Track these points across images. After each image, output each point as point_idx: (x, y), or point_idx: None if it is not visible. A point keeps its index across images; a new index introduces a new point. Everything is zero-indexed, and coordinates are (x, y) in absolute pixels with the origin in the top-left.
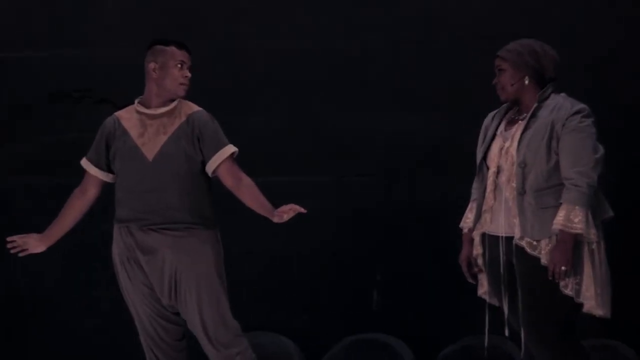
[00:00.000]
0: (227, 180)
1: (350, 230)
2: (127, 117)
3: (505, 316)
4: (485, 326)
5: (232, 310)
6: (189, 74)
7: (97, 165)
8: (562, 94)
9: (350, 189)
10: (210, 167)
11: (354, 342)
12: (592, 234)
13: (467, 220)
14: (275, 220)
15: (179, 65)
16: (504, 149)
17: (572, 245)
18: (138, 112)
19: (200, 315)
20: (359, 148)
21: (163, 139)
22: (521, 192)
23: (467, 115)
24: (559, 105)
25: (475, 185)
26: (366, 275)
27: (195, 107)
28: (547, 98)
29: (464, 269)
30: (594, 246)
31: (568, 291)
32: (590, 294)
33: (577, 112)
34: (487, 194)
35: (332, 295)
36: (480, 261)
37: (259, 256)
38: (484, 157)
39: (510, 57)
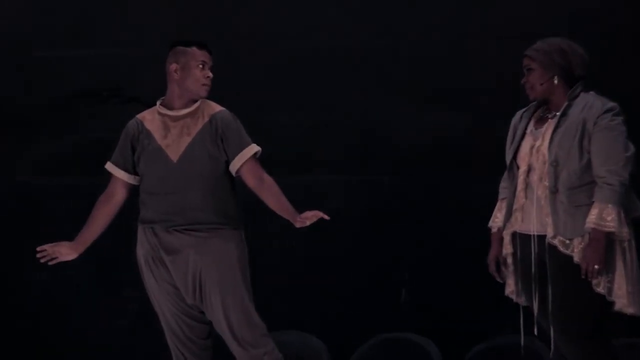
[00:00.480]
0: (250, 181)
1: (377, 228)
2: (150, 118)
3: (535, 315)
4: (520, 326)
5: (261, 309)
6: (210, 74)
7: (123, 169)
8: (592, 92)
9: (375, 187)
10: (233, 167)
11: (382, 340)
12: (625, 232)
13: (496, 219)
14: (298, 225)
15: (201, 66)
16: (534, 147)
17: (604, 243)
18: (160, 113)
19: (225, 315)
20: (382, 147)
21: (187, 140)
22: (553, 191)
23: (490, 114)
24: (590, 103)
25: (503, 184)
26: (394, 273)
27: (218, 107)
28: (576, 96)
29: (492, 268)
30: (626, 244)
31: (600, 289)
32: (622, 293)
33: (608, 111)
34: (517, 193)
35: (360, 294)
36: (510, 260)
37: (289, 256)
38: (514, 157)
39: (538, 56)
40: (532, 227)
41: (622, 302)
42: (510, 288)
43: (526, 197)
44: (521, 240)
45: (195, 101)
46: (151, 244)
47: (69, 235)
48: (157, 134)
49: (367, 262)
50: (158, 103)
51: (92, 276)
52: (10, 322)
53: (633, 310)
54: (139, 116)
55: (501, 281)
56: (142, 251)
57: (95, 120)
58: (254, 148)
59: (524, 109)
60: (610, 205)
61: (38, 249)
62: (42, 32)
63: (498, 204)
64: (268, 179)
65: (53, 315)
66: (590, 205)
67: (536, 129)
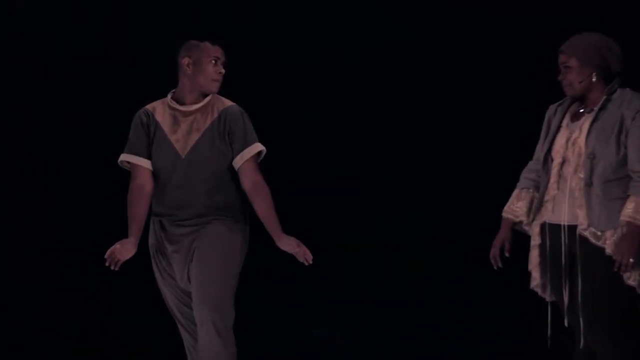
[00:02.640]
0: (245, 180)
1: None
2: (160, 111)
3: (565, 306)
4: (548, 317)
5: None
6: (223, 70)
7: (147, 157)
8: (627, 89)
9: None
10: (236, 164)
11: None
12: None
13: (513, 207)
14: (280, 245)
15: (213, 61)
16: (570, 140)
17: (638, 236)
18: (171, 107)
19: (201, 289)
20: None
21: (196, 136)
22: (588, 183)
23: None
24: (628, 99)
25: (526, 174)
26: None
27: (228, 102)
28: (614, 92)
29: (495, 252)
30: None
31: (630, 282)
32: None
33: None
34: (550, 184)
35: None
36: (536, 252)
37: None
38: (549, 149)
39: (576, 54)
40: (562, 218)
41: None
42: (536, 281)
43: (558, 189)
44: (551, 230)
45: (206, 96)
46: (157, 237)
47: None
48: (167, 128)
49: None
50: (169, 96)
51: None
52: None
53: None
54: (148, 107)
55: (496, 267)
56: (150, 242)
57: None
58: (258, 147)
59: (558, 103)
60: None
61: (106, 257)
62: None
63: (516, 192)
64: (263, 184)
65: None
66: (623, 198)
67: (573, 122)
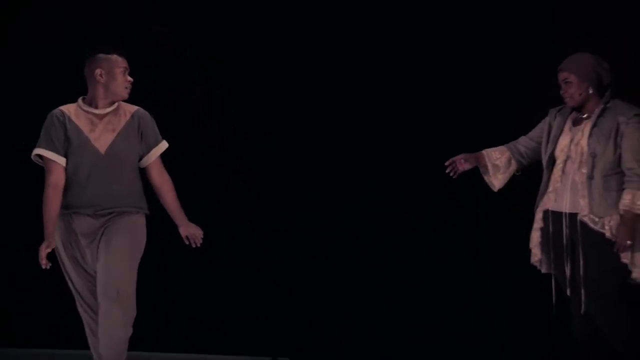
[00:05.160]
0: (155, 174)
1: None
2: (75, 113)
3: (567, 279)
4: (552, 288)
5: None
6: (131, 79)
7: (63, 154)
8: (618, 99)
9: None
10: (146, 160)
11: None
12: None
13: (492, 152)
14: (182, 232)
15: (123, 72)
16: (574, 141)
17: (634, 223)
18: (84, 110)
19: (107, 272)
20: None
21: (112, 135)
22: (590, 177)
23: None
24: (621, 108)
25: (516, 143)
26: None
27: (135, 107)
28: (608, 101)
29: (457, 158)
30: None
31: (624, 260)
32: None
33: (636, 115)
34: (553, 178)
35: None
36: (538, 233)
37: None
38: (554, 149)
39: (575, 72)
40: (564, 207)
41: (638, 271)
42: (536, 257)
43: (561, 182)
44: (553, 216)
45: (114, 102)
46: (68, 229)
47: None
48: (85, 128)
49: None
50: (79, 100)
51: None
52: None
53: None
54: (62, 108)
55: (453, 172)
56: (59, 235)
57: None
58: (165, 145)
59: (557, 109)
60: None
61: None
62: None
63: (502, 147)
64: (169, 178)
65: None
66: (620, 190)
67: (574, 126)
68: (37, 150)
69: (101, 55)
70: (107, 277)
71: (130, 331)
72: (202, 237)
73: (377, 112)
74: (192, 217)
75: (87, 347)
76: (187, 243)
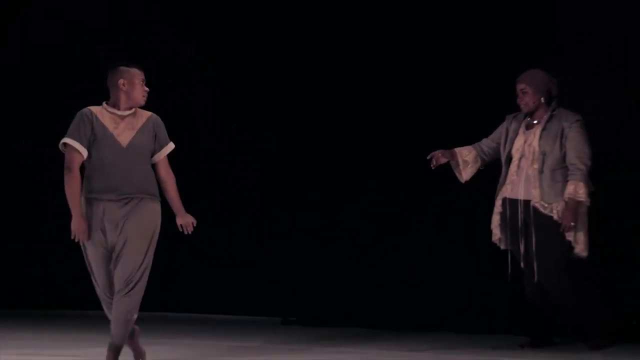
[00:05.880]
0: (163, 170)
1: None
2: (100, 113)
3: (521, 255)
4: (508, 261)
5: None
6: (147, 89)
7: (86, 147)
8: (561, 107)
9: None
10: (157, 157)
11: None
12: (588, 202)
13: (463, 150)
14: (178, 221)
15: (141, 82)
16: (527, 142)
17: (576, 208)
18: (108, 111)
19: (127, 258)
20: None
21: (132, 132)
22: (541, 171)
23: None
24: (565, 115)
25: (481, 144)
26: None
27: (150, 112)
28: (554, 109)
29: (436, 153)
30: (585, 209)
31: (569, 238)
32: (580, 241)
33: (577, 120)
34: (510, 172)
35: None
36: (498, 217)
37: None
38: (511, 148)
39: (532, 84)
40: (519, 195)
41: (579, 247)
42: (497, 236)
43: (516, 175)
44: (510, 203)
45: (132, 107)
46: (96, 215)
47: None
48: (110, 126)
49: None
50: (104, 104)
51: None
52: None
53: (585, 254)
54: (90, 108)
55: (433, 164)
56: (88, 220)
57: None
58: (172, 146)
59: (512, 115)
60: (581, 183)
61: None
62: None
63: (470, 146)
64: (172, 173)
65: None
66: (564, 182)
67: (527, 130)
68: (66, 139)
69: (123, 68)
70: (125, 265)
71: (137, 314)
72: (194, 225)
73: (377, 113)
74: (192, 217)
75: None
76: (181, 230)
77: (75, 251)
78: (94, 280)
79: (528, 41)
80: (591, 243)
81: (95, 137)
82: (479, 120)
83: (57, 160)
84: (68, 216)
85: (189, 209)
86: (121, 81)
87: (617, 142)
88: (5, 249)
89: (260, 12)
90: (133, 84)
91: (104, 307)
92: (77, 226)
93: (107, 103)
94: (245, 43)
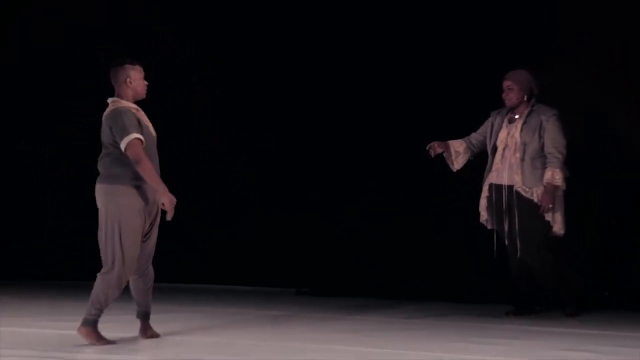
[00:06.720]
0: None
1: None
2: (129, 107)
3: (506, 233)
4: (494, 240)
5: None
6: (147, 83)
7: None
8: (540, 103)
9: None
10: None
11: None
12: (564, 186)
13: (455, 142)
14: (161, 198)
15: (143, 78)
16: (510, 134)
17: (554, 192)
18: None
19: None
20: None
21: (150, 123)
22: (522, 160)
23: None
24: (543, 110)
25: (471, 137)
26: None
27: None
28: (534, 105)
29: (433, 144)
30: (561, 193)
31: (548, 218)
32: (558, 221)
33: (554, 115)
34: (495, 161)
35: None
36: (485, 201)
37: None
38: (495, 140)
39: (518, 82)
40: (504, 181)
41: (557, 226)
42: (484, 218)
43: (501, 163)
44: (496, 188)
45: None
46: (145, 200)
47: None
48: (143, 118)
49: None
50: (115, 99)
51: None
52: None
53: (562, 232)
54: (123, 103)
55: (432, 153)
56: (139, 204)
57: None
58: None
59: (497, 111)
60: (557, 170)
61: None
62: None
63: (460, 140)
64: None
65: None
66: (542, 169)
67: (510, 123)
68: (135, 135)
69: (129, 65)
70: (151, 242)
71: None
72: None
73: (377, 113)
74: (192, 217)
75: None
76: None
77: (75, 251)
78: (119, 264)
79: (528, 41)
80: (567, 222)
81: (142, 129)
82: (479, 120)
83: (57, 160)
84: (68, 216)
85: (189, 209)
86: (127, 78)
87: (617, 142)
88: (5, 248)
89: (260, 12)
90: (137, 80)
91: (118, 291)
92: (171, 199)
93: (115, 99)
94: (244, 43)
